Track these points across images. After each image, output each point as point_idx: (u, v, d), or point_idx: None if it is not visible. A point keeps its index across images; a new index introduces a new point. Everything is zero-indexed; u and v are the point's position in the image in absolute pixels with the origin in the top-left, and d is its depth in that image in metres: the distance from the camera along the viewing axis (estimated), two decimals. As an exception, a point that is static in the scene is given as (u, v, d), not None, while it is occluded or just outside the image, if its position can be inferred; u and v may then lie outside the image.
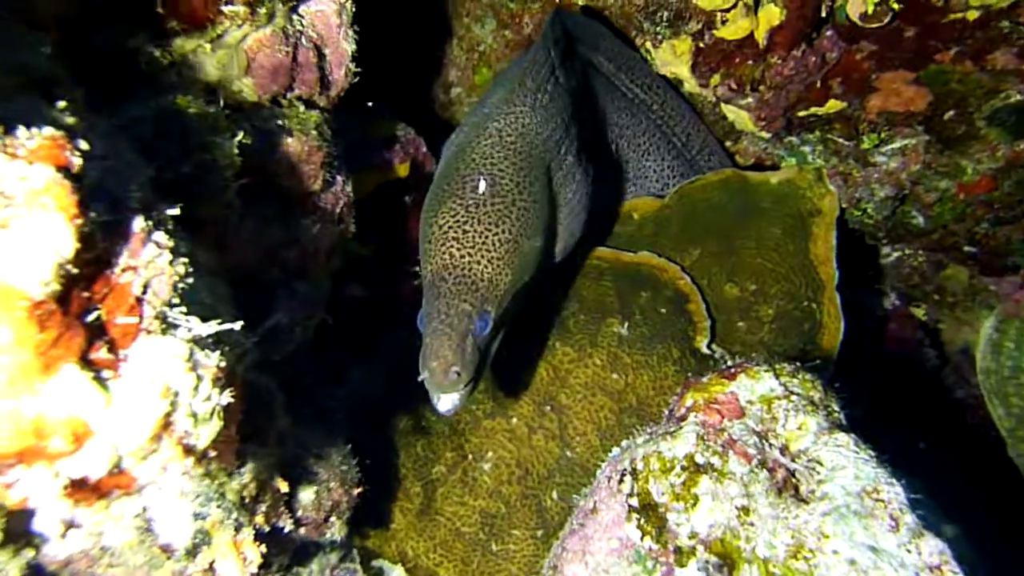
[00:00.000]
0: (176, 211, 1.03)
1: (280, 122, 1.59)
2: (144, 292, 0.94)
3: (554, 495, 2.54)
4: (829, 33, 2.32)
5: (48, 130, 0.82)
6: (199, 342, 0.99)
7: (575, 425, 2.64)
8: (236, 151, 1.33)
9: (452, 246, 2.08)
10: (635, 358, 2.73)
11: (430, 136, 2.81)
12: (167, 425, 0.91)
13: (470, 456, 2.58)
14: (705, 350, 2.72)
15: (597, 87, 2.79)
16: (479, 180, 2.16)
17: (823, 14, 2.23)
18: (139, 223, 0.94)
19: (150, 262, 0.95)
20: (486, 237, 2.12)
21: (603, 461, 2.22)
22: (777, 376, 1.99)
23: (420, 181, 2.65)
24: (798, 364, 2.03)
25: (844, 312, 2.75)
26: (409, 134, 2.63)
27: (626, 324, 2.76)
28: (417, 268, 2.76)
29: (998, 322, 2.74)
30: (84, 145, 0.85)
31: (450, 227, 2.10)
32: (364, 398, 2.64)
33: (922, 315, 3.40)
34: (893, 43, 2.23)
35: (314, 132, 1.65)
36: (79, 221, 0.81)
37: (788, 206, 2.89)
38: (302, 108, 1.67)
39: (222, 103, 1.38)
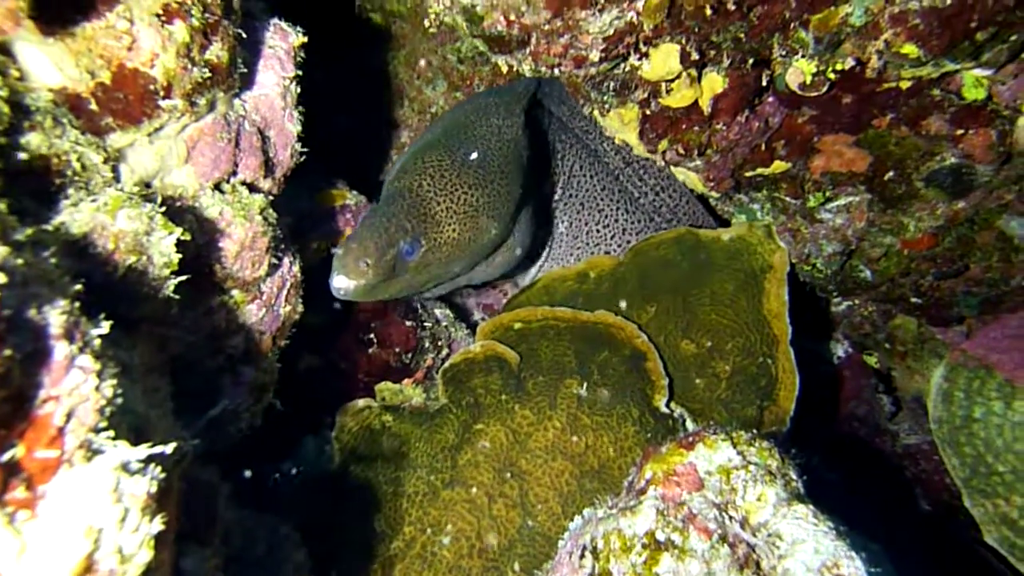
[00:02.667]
0: (104, 330, 0.98)
1: (223, 210, 1.56)
2: (67, 421, 0.90)
3: (516, 567, 2.48)
4: (771, 99, 2.38)
5: (-41, 266, 0.78)
6: (127, 467, 0.94)
7: (536, 492, 2.60)
8: (175, 248, 1.29)
9: (425, 179, 2.32)
10: (595, 419, 2.71)
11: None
12: (90, 567, 0.86)
13: (429, 530, 2.51)
14: (664, 409, 2.71)
15: (601, 189, 2.91)
16: (473, 151, 2.41)
17: (763, 83, 2.28)
18: (62, 349, 0.90)
19: (74, 389, 0.90)
20: (456, 190, 2.36)
21: (565, 529, 2.18)
22: (735, 445, 1.99)
23: (372, 248, 2.62)
24: (755, 432, 2.03)
25: (799, 364, 2.78)
26: (361, 201, 2.61)
27: (585, 384, 2.75)
28: (371, 336, 2.74)
29: (947, 371, 2.80)
30: (2, 278, 0.82)
31: (432, 167, 2.34)
32: (317, 472, 2.57)
33: (874, 363, 3.45)
34: (832, 109, 2.30)
35: (259, 218, 1.62)
36: (-7, 362, 0.77)
37: (740, 262, 2.94)
38: (246, 193, 1.64)
39: (160, 199, 1.35)
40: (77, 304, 0.96)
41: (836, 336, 3.57)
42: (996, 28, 1.77)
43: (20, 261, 0.90)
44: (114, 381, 0.97)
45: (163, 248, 1.27)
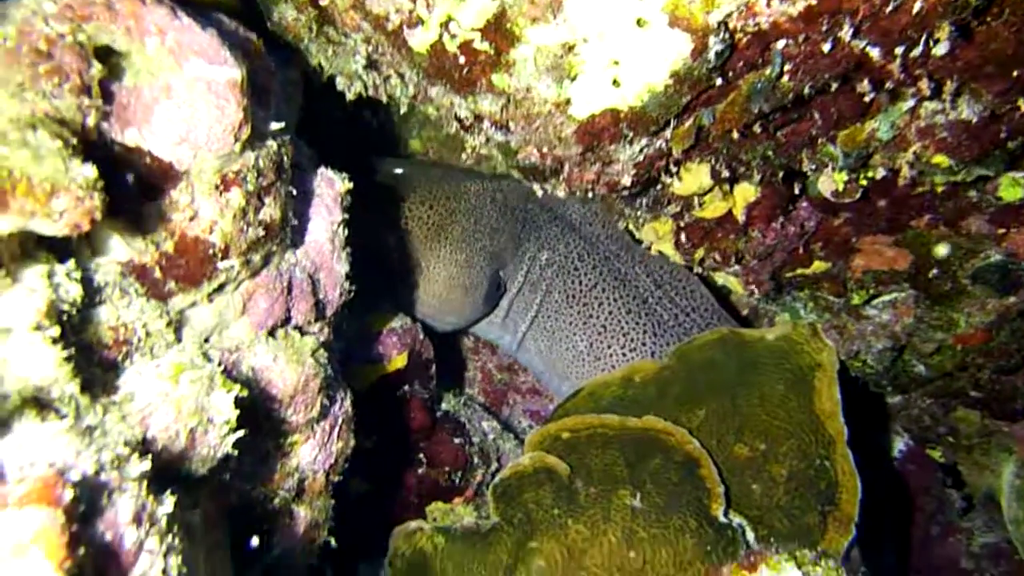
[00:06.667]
0: (169, 508, 1.02)
1: (276, 356, 1.62)
2: (135, 608, 0.92)
3: None
4: (804, 204, 2.40)
5: (40, 469, 0.83)
6: (192, 649, 0.96)
7: (595, 614, 2.51)
8: (233, 406, 1.34)
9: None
10: (651, 532, 2.64)
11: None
12: None
13: (487, 660, 2.43)
14: (723, 519, 2.63)
15: (626, 313, 2.99)
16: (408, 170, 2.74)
17: (796, 190, 2.32)
18: (131, 536, 0.93)
19: (143, 575, 0.93)
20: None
21: (628, 656, 2.10)
22: (799, 566, 1.93)
23: (419, 369, 2.67)
24: (820, 551, 1.96)
25: (858, 464, 2.69)
26: (406, 323, 2.67)
27: (638, 495, 2.69)
28: (421, 456, 2.74)
29: (1018, 468, 2.67)
30: (76, 475, 0.86)
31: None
32: (372, 601, 2.54)
33: (939, 456, 3.31)
34: (867, 212, 2.31)
35: (311, 361, 1.67)
36: (68, 564, 0.80)
37: (788, 362, 2.89)
38: (298, 337, 1.70)
39: (218, 357, 1.41)
40: (145, 484, 1.00)
41: (895, 429, 3.45)
42: (1027, 137, 1.79)
43: (93, 451, 0.95)
44: (179, 559, 1.00)
45: (222, 408, 1.32)
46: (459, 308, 2.92)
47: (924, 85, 1.64)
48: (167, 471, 1.26)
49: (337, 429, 1.82)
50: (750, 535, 2.71)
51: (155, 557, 0.95)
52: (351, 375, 2.45)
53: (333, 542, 1.92)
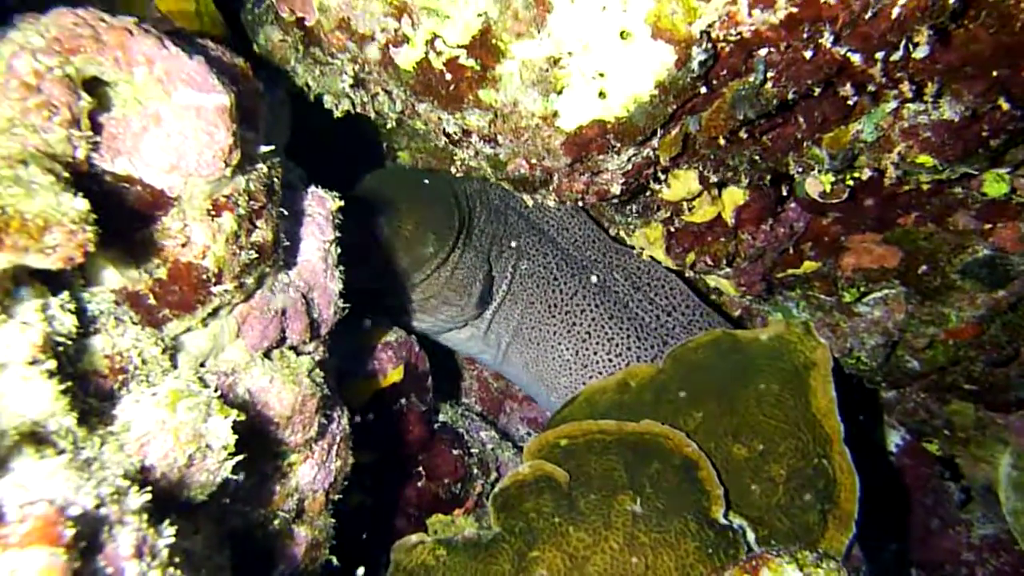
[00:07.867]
0: (170, 540, 1.02)
1: (272, 377, 1.62)
2: (139, 641, 0.92)
3: None
4: (793, 206, 2.42)
5: (40, 508, 0.83)
6: None
7: (599, 621, 2.52)
8: (231, 431, 1.34)
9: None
10: (653, 537, 2.65)
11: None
12: None
13: (492, 671, 2.43)
14: (723, 520, 2.64)
15: (608, 319, 3.00)
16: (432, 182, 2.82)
17: (784, 192, 2.33)
18: (132, 571, 0.93)
19: (145, 607, 0.93)
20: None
21: (633, 662, 2.10)
22: (801, 568, 1.93)
23: (415, 382, 2.67)
24: (821, 552, 1.97)
25: (855, 461, 2.70)
26: (401, 337, 2.68)
27: (639, 500, 2.69)
28: (420, 469, 2.74)
29: (1015, 460, 2.69)
30: (77, 510, 0.86)
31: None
32: (375, 614, 2.53)
33: (936, 450, 3.33)
34: (855, 211, 2.33)
35: (307, 380, 1.68)
36: (71, 602, 0.80)
37: (782, 361, 2.91)
38: (293, 357, 1.71)
39: (215, 383, 1.41)
40: (145, 517, 1.01)
41: (891, 424, 3.47)
42: (1008, 135, 1.80)
43: (92, 485, 0.95)
44: (181, 589, 1.00)
45: (220, 433, 1.32)
46: (457, 307, 2.93)
47: (906, 87, 1.66)
48: (167, 499, 1.26)
49: (335, 447, 1.82)
50: (751, 536, 2.72)
51: (157, 588, 0.95)
52: (347, 391, 2.46)
53: (335, 561, 1.92)
